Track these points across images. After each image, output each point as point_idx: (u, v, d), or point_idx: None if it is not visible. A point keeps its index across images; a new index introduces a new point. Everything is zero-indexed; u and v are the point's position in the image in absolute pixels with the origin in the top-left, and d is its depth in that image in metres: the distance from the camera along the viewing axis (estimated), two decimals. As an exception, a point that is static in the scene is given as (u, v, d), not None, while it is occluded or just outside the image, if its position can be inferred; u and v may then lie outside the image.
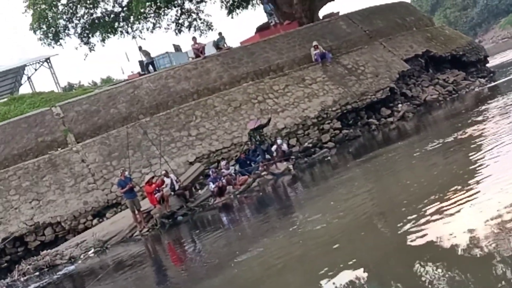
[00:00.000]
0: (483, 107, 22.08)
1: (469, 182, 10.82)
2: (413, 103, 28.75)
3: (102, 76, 73.94)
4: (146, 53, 31.44)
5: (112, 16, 36.60)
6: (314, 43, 28.79)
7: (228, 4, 40.91)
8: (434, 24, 41.81)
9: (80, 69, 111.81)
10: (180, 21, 39.19)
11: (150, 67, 30.83)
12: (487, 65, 38.53)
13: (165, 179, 20.70)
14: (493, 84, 31.36)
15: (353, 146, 24.12)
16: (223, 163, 22.49)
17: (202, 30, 39.53)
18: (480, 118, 19.39)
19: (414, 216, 9.70)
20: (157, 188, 19.91)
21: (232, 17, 41.59)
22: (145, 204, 20.21)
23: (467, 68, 34.52)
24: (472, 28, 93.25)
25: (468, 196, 9.82)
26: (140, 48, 31.67)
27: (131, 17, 35.97)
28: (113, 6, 36.79)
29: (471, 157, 13.40)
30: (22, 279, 17.95)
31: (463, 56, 34.67)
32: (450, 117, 23.26)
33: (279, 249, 11.10)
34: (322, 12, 37.49)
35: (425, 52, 32.28)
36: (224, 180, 20.85)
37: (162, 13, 37.49)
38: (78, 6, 34.88)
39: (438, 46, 33.67)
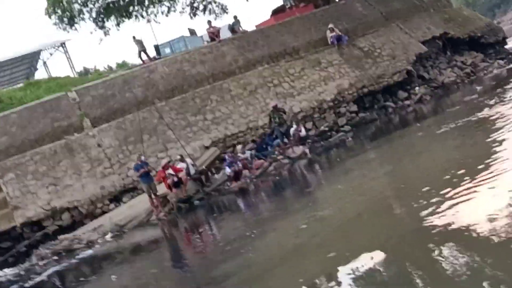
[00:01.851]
0: (502, 89, 21.80)
1: (488, 164, 10.65)
2: (431, 85, 28.47)
3: (117, 61, 74.11)
4: (138, 42, 31.15)
5: (126, 0, 36.48)
6: (330, 25, 28.52)
7: (243, -13, 40.62)
8: (452, 5, 41.27)
9: (95, 53, 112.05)
10: (195, 5, 38.96)
11: (143, 55, 30.64)
12: (506, 46, 38.01)
13: (180, 163, 20.74)
14: (512, 65, 30.97)
15: (370, 129, 23.97)
16: (239, 147, 22.46)
17: (217, 13, 39.27)
18: (498, 100, 19.14)
19: (432, 198, 9.60)
20: (173, 173, 19.93)
21: (247, 0, 41.27)
22: (162, 189, 20.25)
23: (485, 50, 34.08)
24: (491, 9, 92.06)
25: (487, 179, 9.68)
26: (133, 38, 31.31)
27: (146, 0, 35.86)
28: (128, -10, 36.68)
29: (490, 139, 13.21)
30: (40, 263, 18.09)
31: (482, 38, 34.22)
32: (468, 99, 22.99)
33: (295, 232, 11.05)
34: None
35: (442, 34, 31.91)
36: (240, 164, 20.83)
37: (177, -4, 37.30)
38: (93, -10, 34.81)
39: (456, 27, 33.27)
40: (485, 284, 5.97)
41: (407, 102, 26.87)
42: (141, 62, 29.93)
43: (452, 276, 6.59)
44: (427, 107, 25.21)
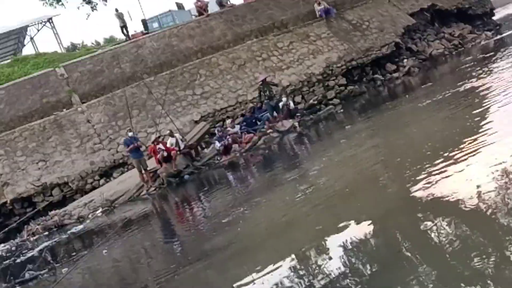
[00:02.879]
0: (489, 60, 21.88)
1: (476, 136, 10.73)
2: (419, 57, 28.51)
3: (105, 36, 73.45)
4: (119, 16, 30.88)
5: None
6: (318, -2, 28.44)
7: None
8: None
9: (82, 29, 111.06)
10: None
11: (124, 31, 30.69)
12: (493, 18, 38.04)
13: (170, 138, 20.75)
14: (499, 37, 31.00)
15: (359, 102, 24.03)
16: (228, 121, 22.48)
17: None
18: (486, 70, 19.24)
19: (420, 170, 9.68)
20: (163, 148, 19.93)
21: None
22: (152, 164, 20.29)
23: (473, 21, 34.09)
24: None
25: (474, 151, 9.76)
26: (116, 10, 31.07)
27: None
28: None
29: (477, 111, 13.29)
30: (31, 239, 18.17)
31: (469, 9, 34.21)
32: (456, 71, 23.06)
33: (284, 205, 11.14)
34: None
35: (430, 5, 31.86)
36: (230, 139, 20.86)
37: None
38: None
39: (443, -1, 33.21)
40: (472, 254, 6.07)
41: (395, 74, 26.92)
42: (126, 37, 29.83)
43: (439, 246, 6.69)
44: (415, 79, 25.27)
